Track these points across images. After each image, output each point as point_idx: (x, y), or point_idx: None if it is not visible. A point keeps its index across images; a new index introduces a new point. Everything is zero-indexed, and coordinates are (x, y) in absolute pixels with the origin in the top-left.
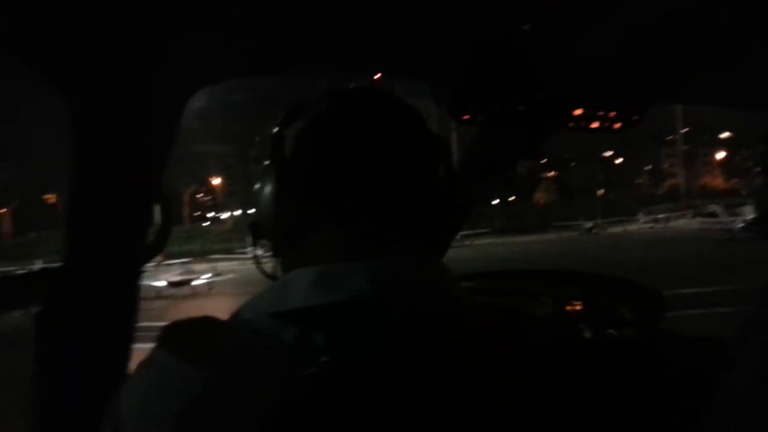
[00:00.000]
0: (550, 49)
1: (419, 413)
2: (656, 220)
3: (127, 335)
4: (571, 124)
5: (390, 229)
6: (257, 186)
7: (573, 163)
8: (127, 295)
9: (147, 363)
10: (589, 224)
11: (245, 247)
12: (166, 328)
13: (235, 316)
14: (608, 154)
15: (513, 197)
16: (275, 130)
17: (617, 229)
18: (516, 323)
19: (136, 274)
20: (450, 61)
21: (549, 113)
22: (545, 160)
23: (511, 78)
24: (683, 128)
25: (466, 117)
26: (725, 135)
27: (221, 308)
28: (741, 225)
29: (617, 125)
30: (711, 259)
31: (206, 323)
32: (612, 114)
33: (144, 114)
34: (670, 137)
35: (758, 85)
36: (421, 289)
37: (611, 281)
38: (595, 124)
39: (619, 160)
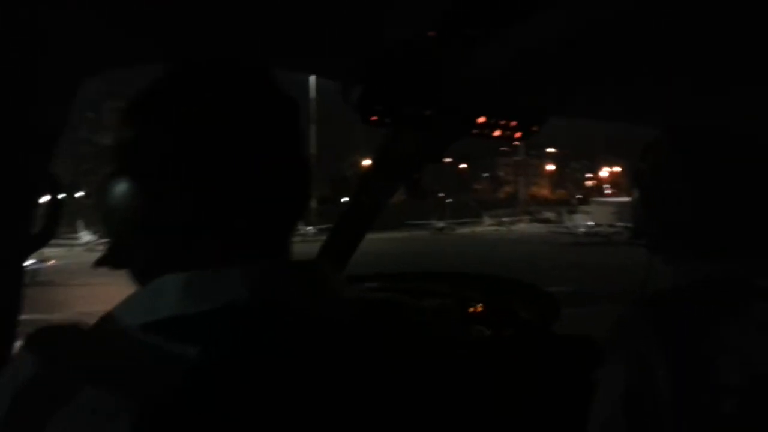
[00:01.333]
0: (454, 57)
1: (300, 421)
2: (500, 223)
3: (7, 330)
4: (474, 131)
5: (260, 228)
6: (106, 175)
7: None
8: (7, 289)
9: (11, 367)
10: (440, 224)
11: (75, 233)
12: (33, 334)
13: (103, 324)
14: (449, 160)
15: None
16: (125, 117)
17: (465, 230)
18: (399, 321)
19: (18, 266)
20: (358, 62)
21: (454, 119)
22: None
23: (418, 82)
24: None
25: (374, 118)
26: (551, 150)
27: (48, 299)
28: (582, 230)
29: (518, 134)
30: (559, 261)
31: (74, 332)
32: (513, 123)
33: (25, 98)
34: (504, 148)
35: (645, 101)
36: (301, 291)
37: (510, 284)
38: (497, 132)
39: (462, 166)
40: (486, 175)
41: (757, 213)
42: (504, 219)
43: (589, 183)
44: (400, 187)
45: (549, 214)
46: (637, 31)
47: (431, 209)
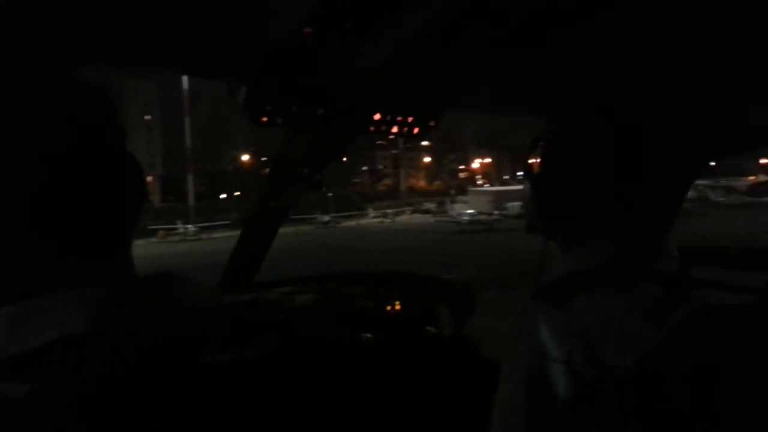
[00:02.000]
0: (334, 53)
1: None
2: (385, 215)
3: None
4: (371, 128)
5: (90, 239)
6: None
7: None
8: None
9: None
10: (326, 218)
11: None
12: None
13: None
14: None
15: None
16: None
17: (351, 223)
18: (256, 330)
19: None
20: (243, 62)
21: (349, 117)
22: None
23: (303, 81)
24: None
25: (264, 119)
26: (426, 143)
27: None
28: (466, 218)
29: (416, 130)
30: (448, 249)
31: None
32: (410, 119)
33: None
34: (380, 142)
35: (533, 94)
36: (143, 311)
37: (428, 281)
38: (395, 129)
39: (342, 159)
40: (365, 168)
41: (648, 196)
42: (388, 211)
43: (462, 174)
44: (305, 186)
45: (429, 205)
46: (515, 25)
47: (314, 204)
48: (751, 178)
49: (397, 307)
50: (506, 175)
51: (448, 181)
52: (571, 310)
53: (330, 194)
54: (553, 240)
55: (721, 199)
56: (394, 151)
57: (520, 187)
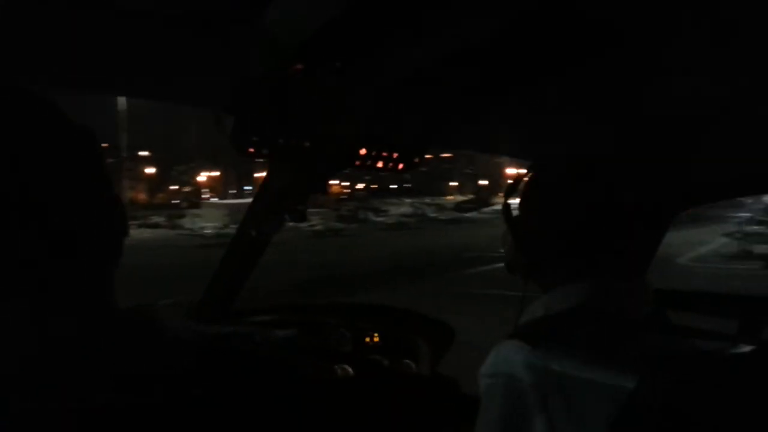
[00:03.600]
0: (321, 88)
1: None
2: None
3: None
4: (357, 162)
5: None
6: None
7: None
8: None
9: None
10: None
11: None
12: None
13: None
14: None
15: None
16: None
17: None
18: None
19: None
20: (228, 92)
21: (335, 151)
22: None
23: (290, 113)
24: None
25: (251, 150)
26: (145, 153)
27: None
28: (209, 231)
29: (401, 165)
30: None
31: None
32: (395, 155)
33: None
34: None
35: (518, 137)
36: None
37: (405, 314)
38: (380, 164)
39: None
40: None
41: (622, 235)
42: None
43: (187, 188)
44: (286, 218)
45: (158, 219)
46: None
47: None
48: (450, 198)
49: (376, 339)
50: (233, 189)
51: (171, 194)
52: (546, 352)
53: None
54: (532, 280)
55: (435, 215)
56: (110, 160)
57: (250, 200)
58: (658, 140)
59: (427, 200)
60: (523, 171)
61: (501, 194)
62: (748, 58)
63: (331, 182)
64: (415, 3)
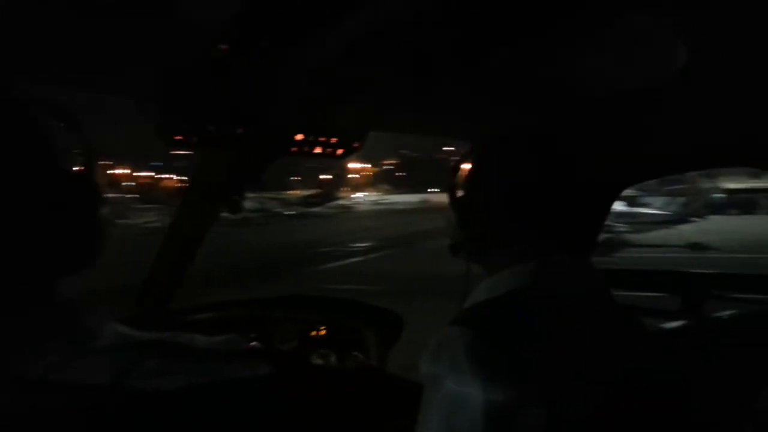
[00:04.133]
0: (250, 71)
1: None
2: None
3: None
4: (294, 149)
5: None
6: None
7: None
8: None
9: None
10: None
11: None
12: None
13: None
14: None
15: None
16: None
17: None
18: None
19: None
20: (152, 80)
21: (270, 137)
22: None
23: (220, 98)
24: None
25: (179, 138)
26: None
27: None
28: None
29: (340, 151)
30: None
31: None
32: (333, 140)
33: None
34: None
35: (458, 116)
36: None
37: (353, 305)
38: (317, 150)
39: None
40: None
41: (571, 214)
42: None
43: None
44: (222, 209)
45: None
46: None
47: None
48: (292, 192)
49: (323, 332)
50: None
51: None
52: (490, 335)
53: None
54: (476, 263)
55: (279, 209)
56: None
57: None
58: (604, 114)
59: (270, 194)
60: (366, 166)
61: (346, 189)
62: (694, 30)
63: (167, 176)
64: None
